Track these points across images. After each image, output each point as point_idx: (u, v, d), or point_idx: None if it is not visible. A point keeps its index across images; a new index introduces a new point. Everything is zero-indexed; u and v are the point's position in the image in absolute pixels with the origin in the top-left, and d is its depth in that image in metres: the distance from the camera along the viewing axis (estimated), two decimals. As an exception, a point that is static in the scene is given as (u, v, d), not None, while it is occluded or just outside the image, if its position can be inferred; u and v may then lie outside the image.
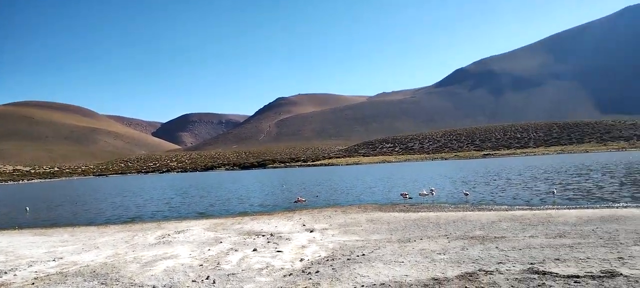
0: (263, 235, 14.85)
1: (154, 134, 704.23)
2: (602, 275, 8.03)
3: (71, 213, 29.17)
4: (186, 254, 12.13)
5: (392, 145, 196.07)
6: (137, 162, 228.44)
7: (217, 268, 10.27)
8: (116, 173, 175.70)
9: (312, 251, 11.84)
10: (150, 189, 55.29)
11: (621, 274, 7.99)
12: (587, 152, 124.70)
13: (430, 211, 20.05)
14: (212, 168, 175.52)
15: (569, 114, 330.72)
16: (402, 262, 9.88)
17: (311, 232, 15.28)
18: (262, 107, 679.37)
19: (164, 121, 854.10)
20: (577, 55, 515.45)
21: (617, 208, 18.06)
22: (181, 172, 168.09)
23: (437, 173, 58.03)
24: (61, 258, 12.42)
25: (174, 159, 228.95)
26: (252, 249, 12.34)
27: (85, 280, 9.72)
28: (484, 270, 8.77)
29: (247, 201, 31.38)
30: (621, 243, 10.61)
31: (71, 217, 26.78)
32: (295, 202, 27.34)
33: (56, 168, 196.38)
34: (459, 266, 9.24)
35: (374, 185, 40.18)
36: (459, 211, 19.52)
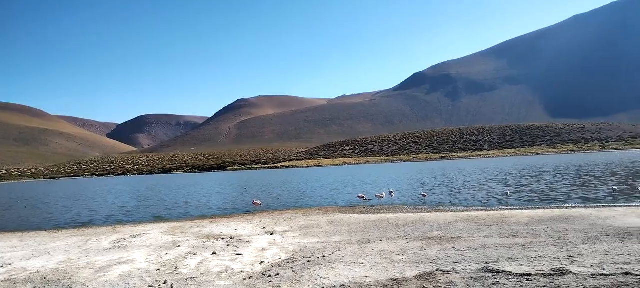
0: (222, 239, 14.67)
1: (109, 136, 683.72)
2: (552, 273, 8.36)
3: (20, 217, 27.92)
4: (143, 259, 11.83)
5: (352, 147, 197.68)
6: (91, 164, 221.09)
7: (175, 272, 10.07)
8: (68, 176, 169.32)
9: (273, 254, 11.79)
10: (105, 192, 53.61)
11: (570, 272, 8.34)
12: (539, 154, 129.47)
13: (389, 213, 20.31)
14: (170, 170, 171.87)
15: (521, 118, 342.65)
16: (362, 263, 9.97)
17: (271, 234, 15.21)
18: (221, 108, 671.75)
19: (120, 122, 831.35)
20: (529, 61, 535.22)
21: (566, 208, 18.83)
22: (138, 174, 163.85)
23: (396, 175, 58.90)
24: (9, 265, 11.88)
25: (130, 162, 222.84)
26: (211, 253, 12.16)
27: (35, 287, 9.34)
28: (441, 270, 8.97)
29: (207, 204, 30.91)
30: (570, 242, 11.08)
31: (20, 221, 25.64)
32: (253, 204, 26.99)
33: (4, 171, 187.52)
34: (417, 266, 9.41)
35: (335, 187, 40.39)
36: (418, 212, 19.87)
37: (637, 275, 7.90)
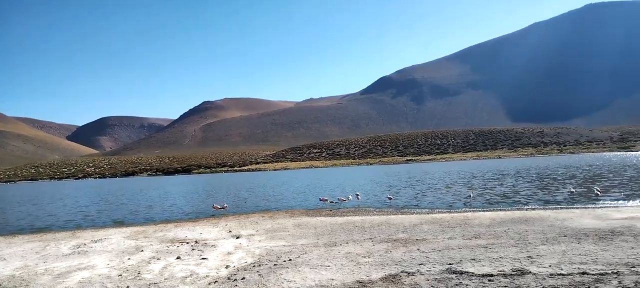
0: (187, 243, 14.43)
1: (69, 138, 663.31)
2: (513, 273, 8.58)
3: (-28, 223, 26.72)
4: (104, 264, 11.51)
5: (319, 150, 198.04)
6: (50, 167, 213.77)
7: (138, 277, 9.84)
8: (26, 180, 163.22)
9: (238, 257, 11.68)
10: (65, 196, 51.92)
11: (530, 272, 8.58)
12: (500, 157, 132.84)
13: (356, 215, 20.44)
14: (133, 174, 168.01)
15: (484, 122, 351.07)
16: (329, 265, 9.99)
17: (237, 238, 15.07)
18: (187, 110, 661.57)
19: (80, 124, 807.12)
20: (491, 67, 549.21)
21: (526, 210, 19.38)
22: (99, 178, 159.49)
23: (363, 178, 59.34)
24: (-40, 273, 11.35)
25: (91, 164, 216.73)
26: (175, 257, 11.95)
27: (-12, 296, 8.97)
28: (406, 272, 9.08)
29: (171, 208, 30.36)
30: (530, 243, 11.40)
31: (-28, 227, 24.53)
32: (214, 208, 26.43)
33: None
34: (382, 268, 9.50)
35: (301, 190, 40.36)
36: (383, 215, 20.06)
37: (593, 274, 8.19)
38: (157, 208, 30.35)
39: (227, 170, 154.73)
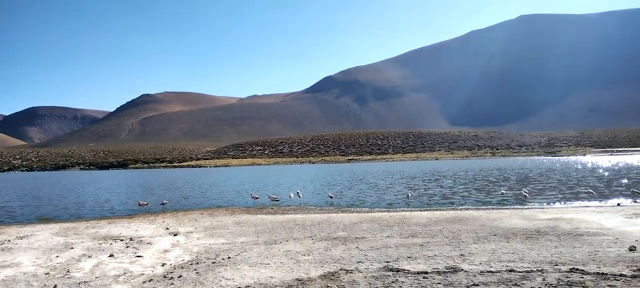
0: (121, 240, 13.90)
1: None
2: (446, 270, 8.90)
3: None
4: (30, 262, 10.87)
5: (262, 147, 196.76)
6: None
7: (67, 276, 9.37)
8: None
9: (175, 255, 11.39)
10: (-13, 190, 48.57)
11: (462, 269, 8.93)
12: (438, 159, 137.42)
13: (297, 213, 20.48)
14: (64, 167, 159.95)
15: (423, 124, 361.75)
16: (268, 263, 9.95)
17: (175, 235, 14.69)
18: (124, 103, 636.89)
19: (6, 114, 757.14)
20: (432, 72, 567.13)
21: (460, 210, 20.15)
22: (27, 171, 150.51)
23: (305, 176, 59.54)
24: None
25: (17, 157, 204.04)
26: (108, 255, 11.48)
27: None
28: (345, 269, 9.20)
29: (105, 204, 29.15)
30: (463, 242, 11.87)
31: None
32: (139, 205, 25.56)
33: None
34: (322, 266, 9.57)
35: (243, 188, 39.94)
36: (324, 213, 20.22)
37: (519, 272, 8.64)
38: (90, 204, 29.05)
39: (166, 166, 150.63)
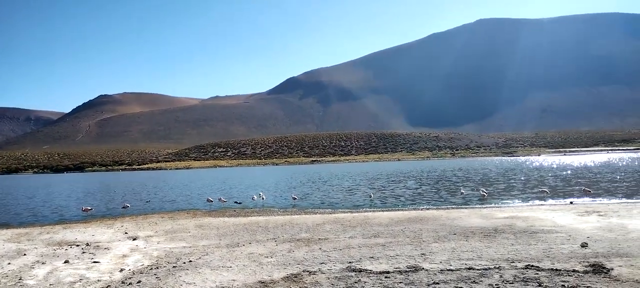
0: (77, 245, 13.45)
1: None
2: (407, 269, 9.04)
3: None
4: (-23, 271, 10.37)
5: (224, 149, 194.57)
6: None
7: (19, 284, 9.00)
8: None
9: (134, 260, 11.11)
10: None
11: (423, 268, 9.09)
12: (399, 160, 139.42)
13: (260, 215, 20.35)
14: (16, 171, 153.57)
15: (385, 126, 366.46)
16: (230, 266, 9.84)
17: (134, 239, 14.33)
18: (81, 104, 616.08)
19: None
20: (393, 73, 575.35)
21: (422, 210, 20.51)
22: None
23: (268, 178, 59.27)
24: None
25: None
26: (63, 261, 11.08)
27: None
28: (307, 271, 9.20)
29: (60, 208, 28.14)
30: (424, 241, 12.08)
31: None
32: (83, 211, 24.67)
33: None
34: (285, 268, 9.54)
35: (204, 191, 39.38)
36: (288, 215, 20.17)
37: (478, 269, 8.86)
38: (44, 209, 27.98)
39: (125, 169, 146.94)
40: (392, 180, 43.12)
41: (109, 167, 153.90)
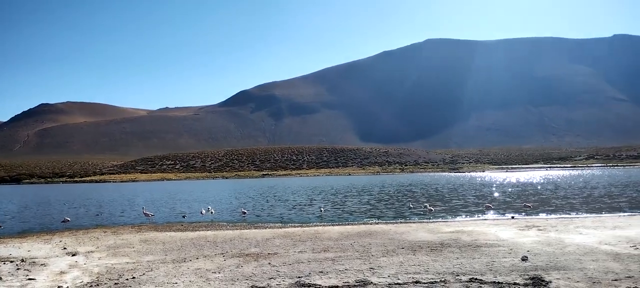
0: (11, 261, 12.69)
1: None
2: (356, 284, 9.09)
3: None
4: None
5: (172, 162, 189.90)
6: None
7: (-58, 305, 8.37)
8: None
9: (73, 277, 10.59)
10: None
11: (371, 282, 9.17)
12: (350, 174, 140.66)
13: (208, 230, 19.95)
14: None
15: (336, 140, 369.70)
16: (176, 283, 9.57)
17: (73, 255, 13.67)
18: (19, 113, 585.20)
19: None
20: (344, 89, 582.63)
21: (371, 224, 20.74)
22: None
23: (218, 191, 58.30)
24: None
25: None
26: (-6, 279, 10.41)
27: None
28: (256, 286, 9.07)
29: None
30: (373, 255, 12.20)
31: None
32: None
33: None
34: (232, 284, 9.37)
35: (150, 204, 38.21)
36: (237, 229, 19.89)
37: (424, 283, 9.03)
38: (-25, 223, 26.23)
39: (66, 181, 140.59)
40: (343, 195, 43.41)
41: (48, 179, 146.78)
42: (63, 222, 24.32)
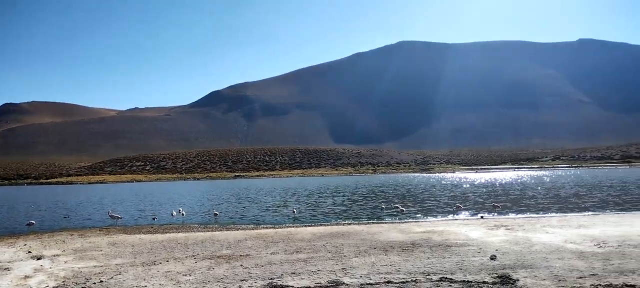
0: (-29, 267, 12.24)
1: None
2: (328, 284, 9.10)
3: None
4: None
5: (143, 163, 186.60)
6: None
7: None
8: None
9: (38, 281, 10.29)
10: None
11: (343, 283, 9.20)
12: (323, 175, 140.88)
13: (179, 232, 19.68)
14: None
15: (309, 141, 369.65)
16: (145, 286, 9.40)
17: (39, 259, 13.28)
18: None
19: None
20: (317, 90, 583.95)
21: (343, 225, 20.82)
22: None
23: (189, 193, 57.57)
24: None
25: None
26: (-47, 285, 10.03)
27: None
28: (228, 289, 8.99)
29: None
30: (345, 256, 12.24)
31: None
32: None
33: None
34: (204, 286, 9.26)
35: (119, 206, 37.46)
36: (208, 231, 19.68)
37: (396, 283, 9.11)
38: None
39: (31, 183, 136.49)
40: (316, 195, 43.44)
41: (12, 181, 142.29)
42: (28, 225, 23.57)
